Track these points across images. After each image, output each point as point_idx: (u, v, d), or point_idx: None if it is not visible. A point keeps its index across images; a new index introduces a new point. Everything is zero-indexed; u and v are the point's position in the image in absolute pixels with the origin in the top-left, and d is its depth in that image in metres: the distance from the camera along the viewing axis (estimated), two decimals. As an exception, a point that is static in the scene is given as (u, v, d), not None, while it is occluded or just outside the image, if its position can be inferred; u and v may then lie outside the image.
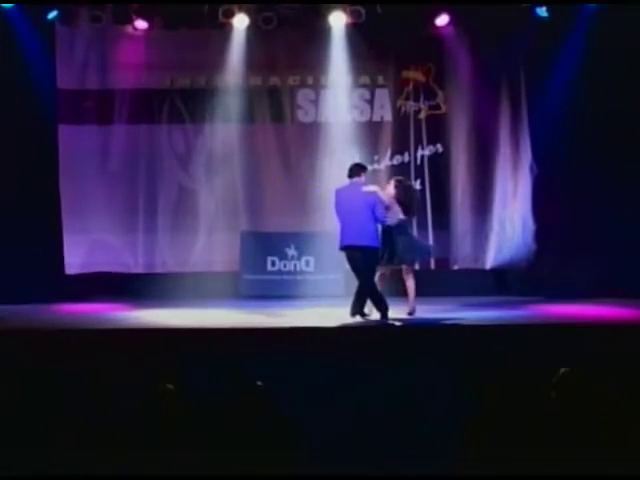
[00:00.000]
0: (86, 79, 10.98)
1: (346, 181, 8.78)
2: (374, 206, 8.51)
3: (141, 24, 10.77)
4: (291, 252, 10.96)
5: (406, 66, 11.16)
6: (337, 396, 5.71)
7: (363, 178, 8.76)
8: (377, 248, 8.60)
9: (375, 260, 8.62)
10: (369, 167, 10.77)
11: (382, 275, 8.86)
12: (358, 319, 8.58)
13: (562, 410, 4.00)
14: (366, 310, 8.68)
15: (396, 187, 8.99)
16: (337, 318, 8.60)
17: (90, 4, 10.66)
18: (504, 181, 11.02)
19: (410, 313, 8.89)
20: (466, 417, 3.97)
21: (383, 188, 9.01)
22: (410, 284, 8.95)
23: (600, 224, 10.24)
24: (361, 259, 8.57)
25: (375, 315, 8.63)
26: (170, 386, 4.58)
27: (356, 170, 8.77)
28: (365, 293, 8.63)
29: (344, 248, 8.68)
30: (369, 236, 8.54)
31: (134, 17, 10.70)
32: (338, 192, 8.79)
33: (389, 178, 11.07)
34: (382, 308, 8.58)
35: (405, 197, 8.98)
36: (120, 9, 10.70)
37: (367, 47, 10.91)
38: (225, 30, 10.84)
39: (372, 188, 8.68)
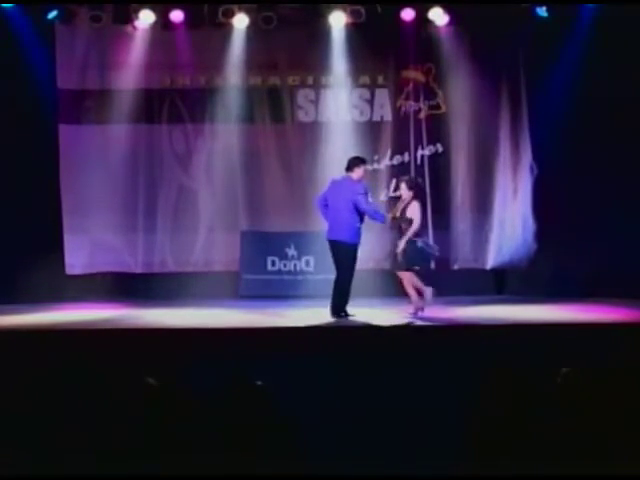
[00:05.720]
0: (86, 79, 10.98)
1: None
2: (356, 202, 8.59)
3: (141, 24, 10.77)
4: (291, 252, 10.94)
5: (406, 66, 11.14)
6: (337, 396, 5.71)
7: (358, 172, 8.82)
8: (354, 244, 8.68)
9: (351, 256, 8.68)
10: (369, 167, 10.78)
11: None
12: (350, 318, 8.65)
13: (564, 410, 4.00)
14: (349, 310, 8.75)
15: (412, 187, 9.02)
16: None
17: (90, 4, 10.67)
18: (504, 181, 11.02)
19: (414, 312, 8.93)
20: (466, 417, 3.97)
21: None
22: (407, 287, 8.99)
23: (600, 224, 10.24)
24: (337, 254, 8.68)
25: (358, 316, 8.67)
26: (172, 386, 4.58)
27: (351, 163, 8.88)
28: (337, 287, 8.71)
29: (328, 241, 8.83)
30: (347, 232, 8.64)
31: (134, 17, 10.71)
32: (331, 182, 8.99)
33: (389, 178, 11.14)
34: (336, 304, 8.65)
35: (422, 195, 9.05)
36: (120, 9, 10.71)
37: (367, 47, 10.91)
38: (225, 30, 10.84)
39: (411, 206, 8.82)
